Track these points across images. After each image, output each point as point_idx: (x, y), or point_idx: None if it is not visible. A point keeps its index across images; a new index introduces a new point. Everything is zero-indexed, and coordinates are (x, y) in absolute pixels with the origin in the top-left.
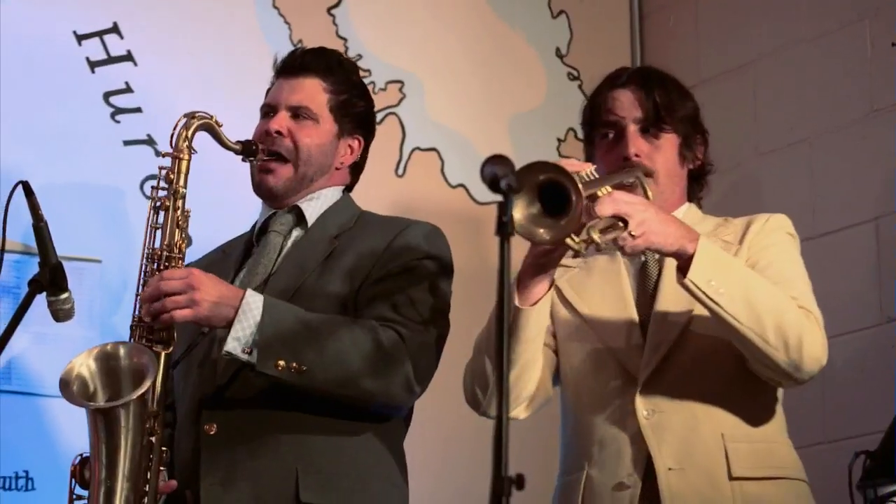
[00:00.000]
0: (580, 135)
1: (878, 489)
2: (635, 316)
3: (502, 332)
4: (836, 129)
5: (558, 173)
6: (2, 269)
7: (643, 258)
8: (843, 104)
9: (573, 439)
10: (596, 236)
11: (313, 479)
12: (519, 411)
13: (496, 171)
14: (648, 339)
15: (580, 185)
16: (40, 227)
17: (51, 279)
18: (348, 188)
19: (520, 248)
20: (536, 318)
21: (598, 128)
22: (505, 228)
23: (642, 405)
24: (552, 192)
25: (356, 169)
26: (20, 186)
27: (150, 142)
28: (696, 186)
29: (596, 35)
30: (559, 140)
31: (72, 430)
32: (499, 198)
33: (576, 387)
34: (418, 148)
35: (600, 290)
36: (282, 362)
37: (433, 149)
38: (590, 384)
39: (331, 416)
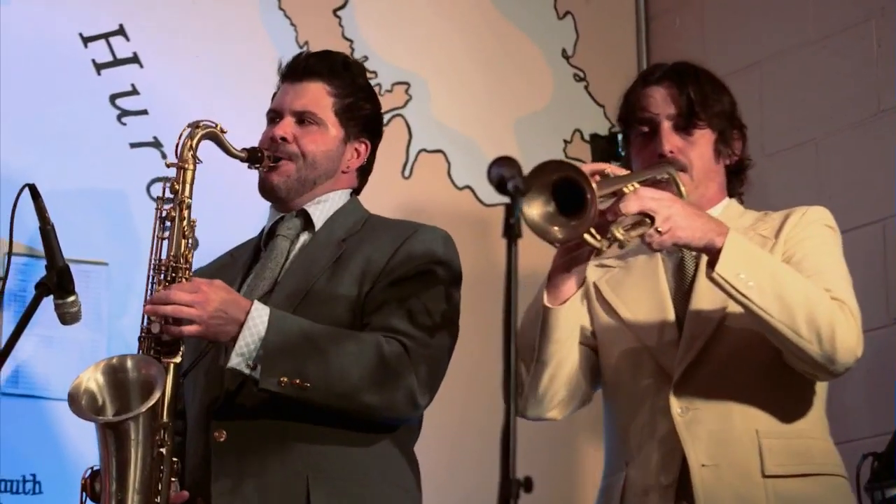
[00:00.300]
0: (586, 136)
1: (885, 491)
2: (671, 313)
3: (510, 334)
4: (842, 129)
5: (572, 172)
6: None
7: (680, 254)
8: (849, 105)
9: (613, 440)
10: (619, 234)
11: (324, 486)
12: (554, 413)
13: (503, 173)
14: (683, 335)
15: (594, 185)
16: (47, 230)
17: (58, 282)
18: (356, 191)
19: (527, 251)
20: (566, 317)
21: (632, 125)
22: (512, 230)
23: (676, 402)
24: (569, 191)
25: (363, 172)
26: (26, 189)
27: (156, 144)
28: (737, 182)
29: (602, 36)
30: (565, 141)
31: (79, 434)
32: (506, 199)
33: (614, 386)
34: (424, 150)
35: (638, 288)
36: (284, 379)
37: (439, 150)
38: (627, 383)
39: (339, 424)
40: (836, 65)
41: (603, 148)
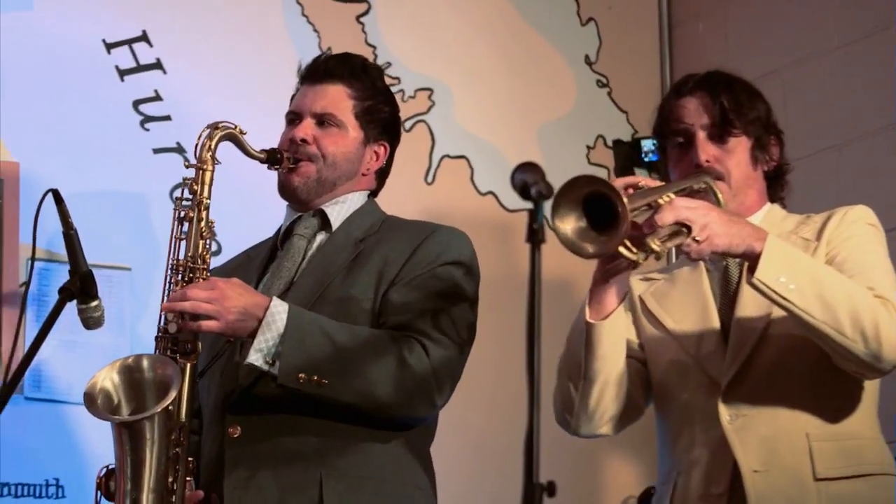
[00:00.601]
0: (609, 142)
1: None
2: (717, 322)
3: (533, 339)
4: (864, 136)
5: (603, 187)
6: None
7: (725, 263)
8: (871, 111)
9: (664, 448)
10: (655, 246)
11: (337, 483)
12: (606, 429)
13: (527, 179)
14: (729, 343)
15: (625, 199)
16: (70, 235)
17: (81, 287)
18: (373, 193)
19: (550, 256)
20: (610, 332)
21: (668, 136)
22: (536, 236)
23: (725, 410)
24: (601, 206)
25: (382, 174)
26: (50, 194)
27: (179, 150)
28: (777, 186)
29: (625, 42)
30: (588, 147)
31: (101, 438)
32: (529, 205)
33: (663, 397)
34: (447, 155)
35: (683, 299)
36: (303, 375)
37: (462, 156)
38: (675, 393)
39: (355, 421)
40: (857, 72)
41: (626, 154)
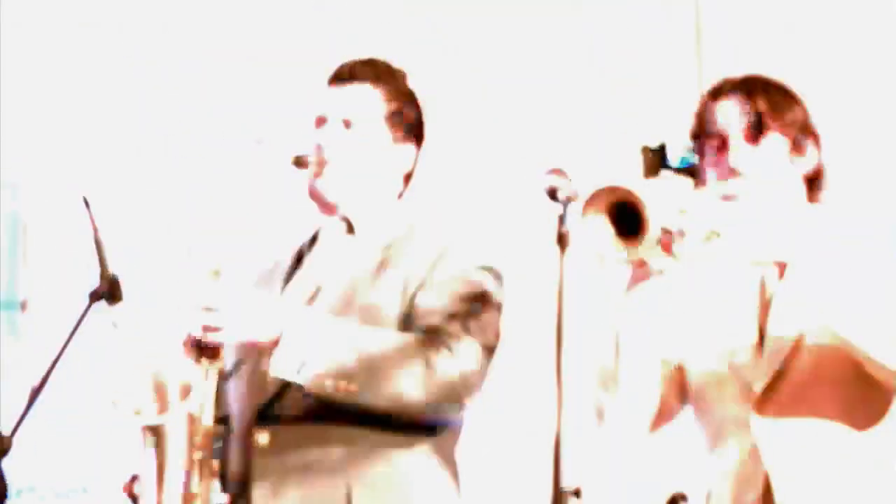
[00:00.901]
0: (637, 146)
1: None
2: (752, 328)
3: (560, 342)
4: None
5: (629, 195)
6: None
7: (762, 268)
8: None
9: (701, 455)
10: (684, 251)
11: (365, 493)
12: (638, 434)
13: (554, 183)
14: (764, 351)
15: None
16: (97, 240)
17: (108, 290)
18: (400, 196)
19: (578, 259)
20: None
21: (703, 139)
22: (564, 239)
23: (758, 418)
24: (629, 213)
25: (408, 177)
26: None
27: (202, 156)
28: (815, 188)
29: (657, 46)
30: (616, 151)
31: (129, 443)
32: (558, 209)
33: (699, 403)
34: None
35: (718, 305)
36: (329, 381)
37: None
38: (710, 400)
39: (382, 427)
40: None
41: (654, 158)
